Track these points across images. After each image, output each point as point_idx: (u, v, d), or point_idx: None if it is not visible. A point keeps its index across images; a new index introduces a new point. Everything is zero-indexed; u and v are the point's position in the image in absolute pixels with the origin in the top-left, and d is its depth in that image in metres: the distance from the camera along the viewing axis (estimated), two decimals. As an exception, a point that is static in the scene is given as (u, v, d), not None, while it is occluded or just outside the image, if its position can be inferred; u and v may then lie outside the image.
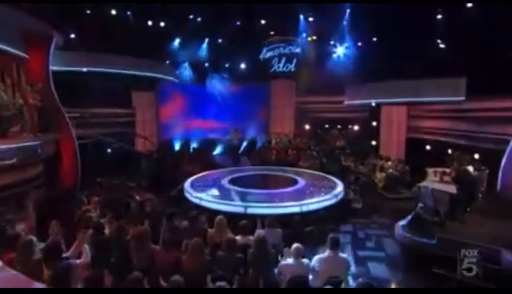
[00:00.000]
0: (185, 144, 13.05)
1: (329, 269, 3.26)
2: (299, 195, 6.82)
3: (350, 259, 5.00)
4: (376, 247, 5.78)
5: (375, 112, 12.43)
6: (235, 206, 6.02)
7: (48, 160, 7.28)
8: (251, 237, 3.91)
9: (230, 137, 8.95)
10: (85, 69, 9.69)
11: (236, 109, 13.37)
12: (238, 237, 3.96)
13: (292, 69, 13.01)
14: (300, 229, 4.77)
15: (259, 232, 3.86)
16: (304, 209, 6.19)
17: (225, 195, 6.89)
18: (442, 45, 9.30)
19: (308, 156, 10.96)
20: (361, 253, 5.57)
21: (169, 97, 13.44)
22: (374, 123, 12.56)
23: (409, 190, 8.45)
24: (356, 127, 13.34)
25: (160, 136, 13.50)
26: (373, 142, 12.47)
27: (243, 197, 6.68)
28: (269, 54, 13.31)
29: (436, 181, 6.57)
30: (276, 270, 3.40)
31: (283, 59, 13.05)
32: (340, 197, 7.10)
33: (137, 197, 5.76)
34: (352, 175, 9.67)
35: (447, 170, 6.49)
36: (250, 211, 5.83)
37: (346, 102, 12.26)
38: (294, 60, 13.07)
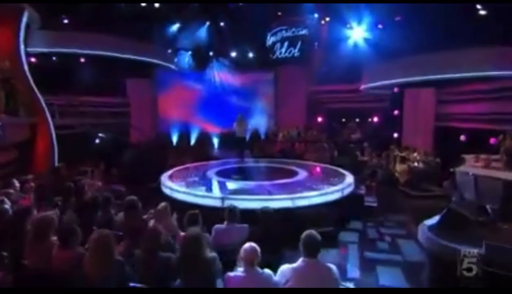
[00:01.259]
0: (184, 136, 12.69)
1: (302, 285, 2.35)
2: (295, 188, 6.07)
3: (355, 262, 4.34)
4: (390, 249, 4.99)
5: (397, 100, 11.28)
6: (210, 198, 5.21)
7: (21, 145, 7.01)
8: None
9: (234, 126, 8.05)
10: (74, 51, 9.28)
11: (240, 99, 13.00)
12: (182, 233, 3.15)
13: (296, 54, 12.26)
14: (273, 226, 3.57)
15: (193, 229, 2.79)
16: (297, 203, 5.34)
17: (205, 186, 6.20)
18: (482, 12, 7.94)
19: (317, 148, 9.99)
20: (369, 255, 4.70)
21: (167, 86, 13.06)
22: (396, 112, 11.36)
23: (439, 188, 7.40)
24: (376, 119, 12.43)
25: (158, 127, 13.15)
26: (395, 135, 11.29)
27: (225, 189, 6.00)
28: (272, 39, 12.63)
29: (480, 167, 5.18)
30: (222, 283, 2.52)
31: (286, 44, 12.36)
32: (348, 191, 6.17)
33: (85, 183, 5.06)
34: (368, 169, 8.55)
35: (496, 157, 5.18)
36: (229, 204, 5.04)
37: (363, 87, 11.17)
38: (299, 44, 12.21)
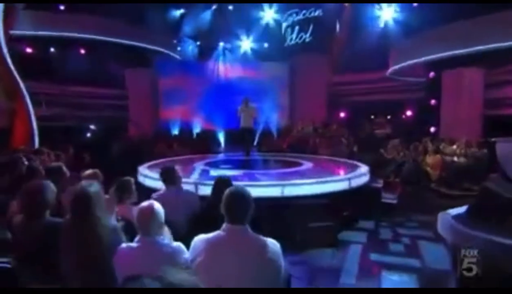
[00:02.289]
0: (186, 131, 12.60)
1: (217, 262, 1.74)
2: (292, 177, 5.50)
3: (354, 266, 3.66)
4: (406, 252, 4.15)
5: (434, 87, 10.20)
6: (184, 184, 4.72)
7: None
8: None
9: (239, 113, 7.29)
10: (63, 34, 9.30)
11: (251, 92, 12.39)
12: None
13: (307, 39, 11.73)
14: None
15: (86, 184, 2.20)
16: (288, 192, 4.72)
17: (184, 173, 5.68)
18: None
19: (333, 143, 9.20)
20: (376, 257, 3.93)
21: (169, 77, 13.00)
22: (433, 102, 10.27)
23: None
24: (409, 112, 11.64)
25: (158, 122, 13.09)
26: (432, 129, 10.18)
27: (205, 176, 5.63)
28: (285, 25, 12.17)
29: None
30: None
31: (296, 29, 11.87)
32: (358, 182, 5.45)
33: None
34: (393, 165, 7.58)
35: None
36: (203, 190, 4.58)
37: (390, 70, 10.37)
38: (310, 27, 11.61)
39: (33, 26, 8.78)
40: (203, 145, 10.67)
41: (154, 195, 3.07)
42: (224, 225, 1.83)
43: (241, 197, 1.85)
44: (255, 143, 10.69)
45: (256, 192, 4.26)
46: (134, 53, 11.11)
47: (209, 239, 1.80)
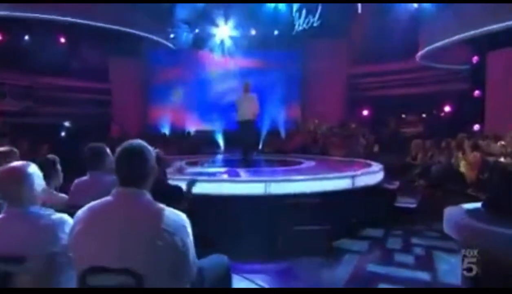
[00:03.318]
0: (178, 131, 12.76)
1: (99, 235, 1.62)
2: (283, 174, 5.57)
3: (342, 276, 3.52)
4: (416, 264, 3.88)
5: (478, 75, 9.78)
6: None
7: None
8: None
9: (236, 102, 6.83)
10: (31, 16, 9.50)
11: (256, 85, 12.51)
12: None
13: (315, 24, 11.55)
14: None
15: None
16: (272, 189, 4.59)
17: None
18: None
19: (349, 143, 8.95)
20: (374, 269, 3.69)
21: (161, 69, 13.19)
22: (477, 93, 9.83)
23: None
24: (448, 108, 11.32)
25: (148, 121, 13.23)
26: (476, 127, 9.70)
27: (182, 172, 5.60)
28: (295, 8, 12.14)
29: None
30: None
31: (304, 12, 11.70)
32: (365, 181, 5.26)
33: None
34: (419, 168, 7.28)
35: None
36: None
37: (420, 54, 10.16)
38: (318, 9, 11.46)
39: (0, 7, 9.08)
40: (197, 147, 10.64)
41: (77, 180, 3.00)
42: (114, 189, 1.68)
43: (133, 152, 1.69)
44: (258, 145, 10.42)
45: (235, 189, 4.60)
46: (120, 41, 11.24)
47: (93, 205, 1.65)
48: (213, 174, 5.53)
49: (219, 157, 9.01)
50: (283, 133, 12.18)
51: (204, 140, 12.11)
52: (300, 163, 6.93)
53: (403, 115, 12.21)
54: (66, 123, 10.06)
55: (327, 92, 12.42)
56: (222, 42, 13.15)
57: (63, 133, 10.39)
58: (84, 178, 3.00)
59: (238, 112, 6.65)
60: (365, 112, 12.72)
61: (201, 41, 13.03)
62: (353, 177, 5.06)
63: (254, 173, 5.66)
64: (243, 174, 5.51)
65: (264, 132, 12.08)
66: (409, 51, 10.71)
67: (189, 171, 5.71)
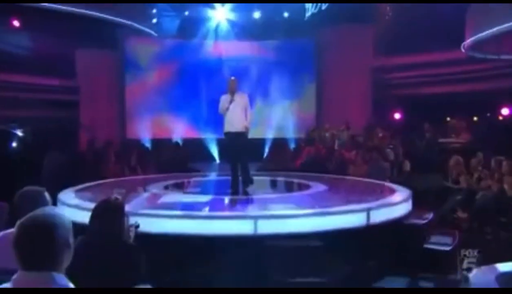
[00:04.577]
0: (162, 141, 12.82)
1: None
2: (280, 204, 5.59)
3: None
4: None
5: None
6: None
7: None
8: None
9: (221, 107, 6.38)
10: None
11: (258, 85, 13.02)
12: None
13: (323, 7, 11.94)
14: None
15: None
16: (264, 228, 4.53)
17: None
18: None
19: (372, 157, 8.84)
20: None
21: (141, 63, 13.33)
22: None
23: None
24: (506, 111, 11.39)
25: (126, 127, 13.45)
26: None
27: (153, 203, 5.73)
28: None
29: None
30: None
31: None
32: (386, 216, 5.24)
33: None
34: (461, 195, 7.22)
35: None
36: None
37: (470, 41, 10.09)
38: None
39: None
40: (186, 161, 10.62)
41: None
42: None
43: (36, 230, 1.65)
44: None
45: (215, 228, 4.58)
46: (89, 28, 11.31)
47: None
48: (191, 206, 5.47)
49: (210, 176, 9.03)
50: (291, 145, 12.24)
51: (196, 151, 12.18)
52: (307, 187, 6.88)
53: (448, 118, 11.98)
54: (18, 132, 10.08)
55: (348, 91, 12.47)
56: (217, 27, 13.28)
57: (13, 144, 10.40)
58: (10, 230, 2.93)
59: (225, 119, 6.29)
60: (396, 116, 12.71)
61: (190, 27, 13.14)
62: (368, 210, 4.95)
63: (243, 204, 5.65)
64: (229, 205, 5.52)
65: (267, 143, 12.28)
66: (452, 38, 10.67)
67: (163, 202, 5.68)
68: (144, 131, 13.16)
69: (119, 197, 3.22)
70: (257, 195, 6.28)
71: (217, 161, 13.11)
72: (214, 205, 5.52)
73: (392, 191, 6.33)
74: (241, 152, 6.32)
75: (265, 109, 13.00)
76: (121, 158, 9.62)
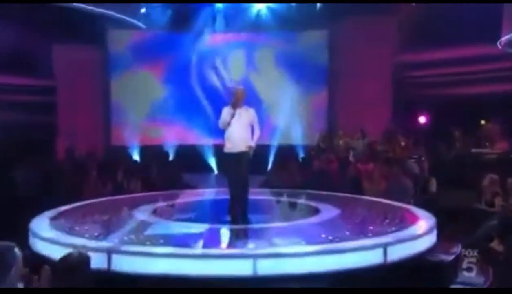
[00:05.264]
0: (152, 151, 12.99)
1: None
2: (284, 236, 5.55)
3: None
4: None
5: None
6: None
7: None
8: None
9: (222, 122, 6.30)
10: None
11: (261, 85, 13.24)
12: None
13: None
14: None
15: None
16: (264, 269, 4.55)
17: (103, 229, 5.92)
18: None
19: (394, 175, 8.80)
20: None
21: (129, 59, 13.40)
22: None
23: None
24: None
25: (111, 134, 13.54)
26: None
27: (138, 234, 5.68)
28: None
29: None
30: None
31: None
32: (403, 250, 5.24)
33: None
34: (495, 220, 7.17)
35: None
36: (115, 264, 4.74)
37: (507, 40, 10.27)
38: None
39: None
40: (179, 174, 10.69)
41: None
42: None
43: None
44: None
45: (210, 268, 4.56)
46: (68, 21, 11.35)
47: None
48: (182, 239, 5.46)
49: (205, 195, 9.07)
50: (298, 154, 12.27)
51: (191, 161, 12.28)
52: (315, 212, 6.88)
53: (482, 121, 12.09)
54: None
55: (365, 92, 12.49)
56: (215, 18, 13.33)
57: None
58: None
59: (226, 137, 6.26)
60: (421, 121, 12.67)
61: (184, 18, 13.17)
62: (385, 246, 4.94)
63: (241, 238, 5.64)
64: (225, 237, 5.52)
65: (271, 150, 12.36)
66: (488, 30, 10.75)
67: (150, 234, 5.64)
68: (131, 138, 13.20)
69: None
70: (258, 223, 6.32)
71: (215, 171, 13.19)
72: (208, 238, 5.48)
73: (415, 218, 6.32)
74: (242, 176, 6.33)
75: (269, 110, 13.10)
76: (105, 172, 9.67)
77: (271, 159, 12.50)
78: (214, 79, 13.33)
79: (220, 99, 12.71)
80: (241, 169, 6.24)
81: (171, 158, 12.65)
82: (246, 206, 6.38)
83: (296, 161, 11.41)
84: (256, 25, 13.17)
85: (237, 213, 6.36)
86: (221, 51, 13.52)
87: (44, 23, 11.38)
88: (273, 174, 10.79)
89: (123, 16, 12.33)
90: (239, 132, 6.16)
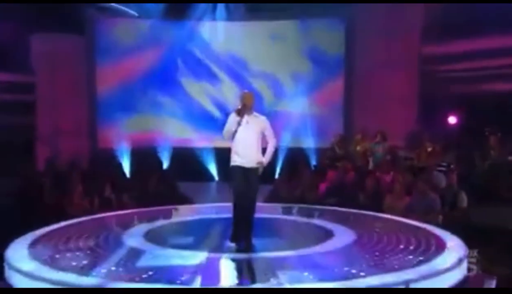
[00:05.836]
0: (146, 155, 13.13)
1: None
2: (289, 269, 5.54)
3: None
4: None
5: None
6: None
7: None
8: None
9: (228, 127, 6.10)
10: None
11: (268, 77, 13.22)
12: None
13: None
14: None
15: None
16: None
17: (88, 260, 5.93)
18: None
19: (419, 189, 8.82)
20: None
21: (118, 51, 13.48)
22: None
23: None
24: None
25: (99, 138, 13.64)
26: None
27: (129, 267, 5.70)
28: None
29: None
30: None
31: None
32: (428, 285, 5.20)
33: None
34: None
35: None
36: None
37: None
38: None
39: None
40: (172, 187, 10.78)
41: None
42: None
43: None
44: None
45: None
46: (48, 7, 11.41)
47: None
48: (177, 273, 5.49)
49: (203, 211, 9.11)
50: (310, 163, 12.35)
51: (188, 167, 12.37)
52: (328, 236, 6.90)
53: None
54: None
55: (387, 88, 12.48)
56: (216, 4, 13.43)
57: None
58: None
59: (233, 150, 6.14)
60: (451, 121, 12.65)
61: (181, 4, 13.25)
62: (407, 283, 4.95)
63: (244, 271, 5.66)
64: (226, 269, 5.55)
65: (280, 154, 12.35)
66: None
67: (140, 266, 5.64)
68: (120, 139, 13.30)
69: None
70: (263, 251, 6.27)
71: (216, 178, 13.33)
72: (206, 272, 5.46)
73: (442, 244, 6.25)
74: (250, 197, 6.22)
75: (277, 106, 13.29)
76: (91, 185, 9.72)
77: (278, 166, 12.59)
78: (216, 71, 13.50)
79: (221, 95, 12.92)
80: (249, 188, 6.16)
81: (166, 164, 12.78)
82: (251, 230, 6.30)
83: (307, 169, 11.42)
84: (266, 11, 13.25)
85: (240, 237, 6.28)
86: (228, 40, 13.64)
87: (20, 10, 11.41)
88: (281, 185, 10.84)
89: (112, 3, 12.45)
90: (247, 144, 6.03)
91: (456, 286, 5.50)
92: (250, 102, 6.05)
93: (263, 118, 6.23)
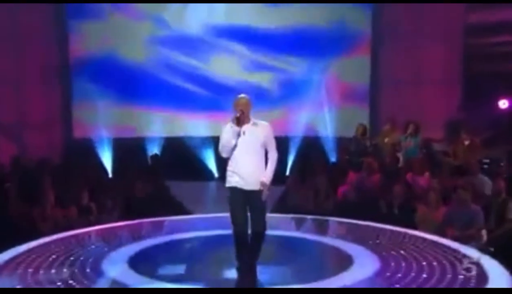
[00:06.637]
0: (131, 148, 13.30)
1: None
2: None
3: None
4: None
5: None
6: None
7: None
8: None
9: (226, 138, 5.78)
10: None
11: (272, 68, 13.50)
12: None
13: None
14: None
15: None
16: None
17: None
18: None
19: (459, 198, 8.82)
20: None
21: (93, 24, 13.69)
22: None
23: None
24: None
25: (73, 124, 13.84)
26: None
27: None
28: None
29: None
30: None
31: None
32: None
33: None
34: None
35: None
36: None
37: None
38: None
39: None
40: (161, 192, 10.86)
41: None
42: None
43: None
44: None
45: None
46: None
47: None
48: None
49: (202, 227, 9.14)
50: (328, 163, 12.58)
51: (183, 166, 12.58)
52: (347, 262, 6.87)
53: None
54: None
55: (421, 67, 12.79)
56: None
57: None
58: None
59: (229, 167, 5.98)
60: (502, 105, 12.69)
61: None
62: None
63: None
64: None
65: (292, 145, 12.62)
66: None
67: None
68: (100, 126, 13.50)
69: None
70: (270, 284, 6.18)
71: (216, 175, 13.51)
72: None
73: (484, 277, 6.05)
74: (256, 225, 6.04)
75: (291, 88, 13.46)
76: (65, 189, 9.81)
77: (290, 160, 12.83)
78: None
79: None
80: (252, 217, 6.03)
81: (154, 159, 12.87)
82: (256, 257, 6.14)
83: (323, 170, 11.30)
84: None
85: (243, 264, 6.13)
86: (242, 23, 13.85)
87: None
88: (292, 189, 10.90)
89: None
90: (248, 160, 5.86)
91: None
92: (246, 109, 5.86)
93: (265, 124, 6.02)
